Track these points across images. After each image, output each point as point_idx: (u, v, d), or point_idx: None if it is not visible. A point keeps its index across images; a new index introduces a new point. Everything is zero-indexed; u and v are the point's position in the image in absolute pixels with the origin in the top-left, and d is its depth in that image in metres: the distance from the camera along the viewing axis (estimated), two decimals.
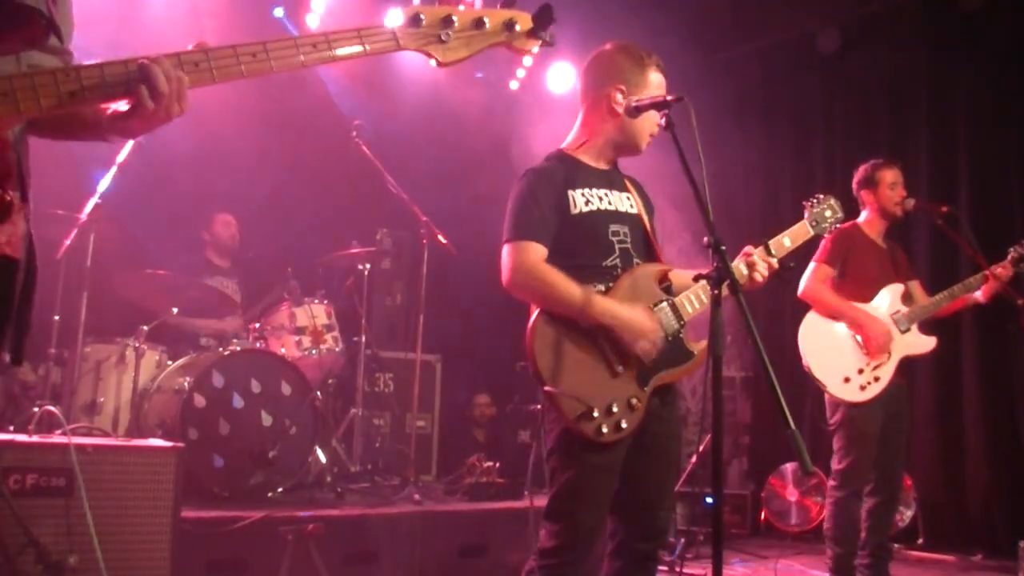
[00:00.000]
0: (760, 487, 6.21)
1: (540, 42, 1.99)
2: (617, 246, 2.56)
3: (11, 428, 3.73)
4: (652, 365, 2.46)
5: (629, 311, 2.44)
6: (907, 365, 4.18)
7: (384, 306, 6.56)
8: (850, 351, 4.06)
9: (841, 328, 4.12)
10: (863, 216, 4.41)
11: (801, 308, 4.46)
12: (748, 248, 2.72)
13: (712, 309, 2.29)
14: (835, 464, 4.09)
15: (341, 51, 1.73)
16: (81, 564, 2.74)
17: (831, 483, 4.12)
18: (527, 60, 7.22)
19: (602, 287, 2.48)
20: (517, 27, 1.93)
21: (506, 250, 2.48)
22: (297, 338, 4.96)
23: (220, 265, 5.48)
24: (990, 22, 5.85)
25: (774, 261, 2.71)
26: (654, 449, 2.51)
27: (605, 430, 2.37)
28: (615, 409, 2.39)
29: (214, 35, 5.49)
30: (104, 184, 4.15)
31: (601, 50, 2.70)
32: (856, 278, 4.20)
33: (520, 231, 2.46)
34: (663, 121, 2.48)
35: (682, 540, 4.73)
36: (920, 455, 5.97)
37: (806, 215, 3.03)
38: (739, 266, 2.63)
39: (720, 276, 2.29)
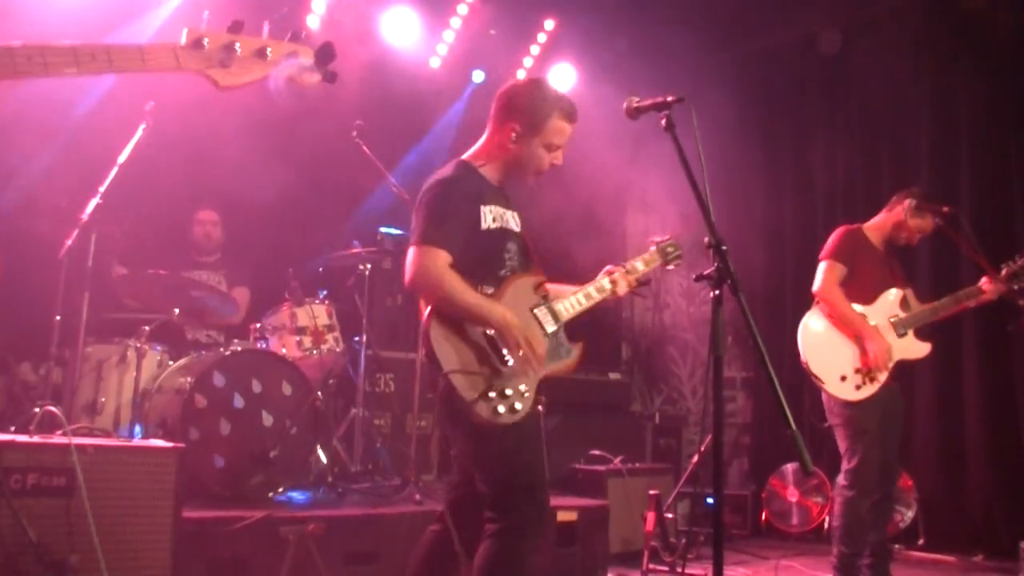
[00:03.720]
0: (761, 487, 6.21)
1: (320, 76, 2.04)
2: (507, 262, 2.77)
3: (12, 428, 3.72)
4: (538, 363, 2.62)
5: (493, 310, 2.59)
6: (903, 367, 4.22)
7: (385, 306, 6.55)
8: (848, 350, 4.13)
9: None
10: (875, 220, 4.46)
11: (801, 309, 4.48)
12: (610, 267, 3.06)
13: (713, 309, 2.30)
14: (845, 464, 4.13)
15: (119, 65, 1.81)
16: (82, 564, 2.75)
17: (842, 483, 4.13)
18: (527, 60, 7.24)
19: (490, 289, 2.68)
20: (301, 60, 2.01)
21: (414, 252, 2.61)
22: (298, 338, 4.96)
23: (204, 260, 5.46)
24: (991, 23, 5.85)
25: (632, 279, 3.08)
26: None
27: (502, 410, 2.54)
28: (508, 393, 2.58)
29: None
30: (105, 184, 4.15)
31: (515, 83, 2.88)
32: (861, 280, 4.25)
33: (431, 237, 2.60)
34: (664, 121, 2.50)
35: (683, 540, 4.73)
36: (920, 455, 5.97)
37: (653, 248, 3.28)
38: (602, 281, 2.98)
39: (720, 276, 2.30)
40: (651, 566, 4.44)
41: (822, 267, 4.27)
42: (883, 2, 6.49)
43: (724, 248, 2.32)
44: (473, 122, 6.47)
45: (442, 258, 2.59)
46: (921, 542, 5.61)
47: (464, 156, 2.86)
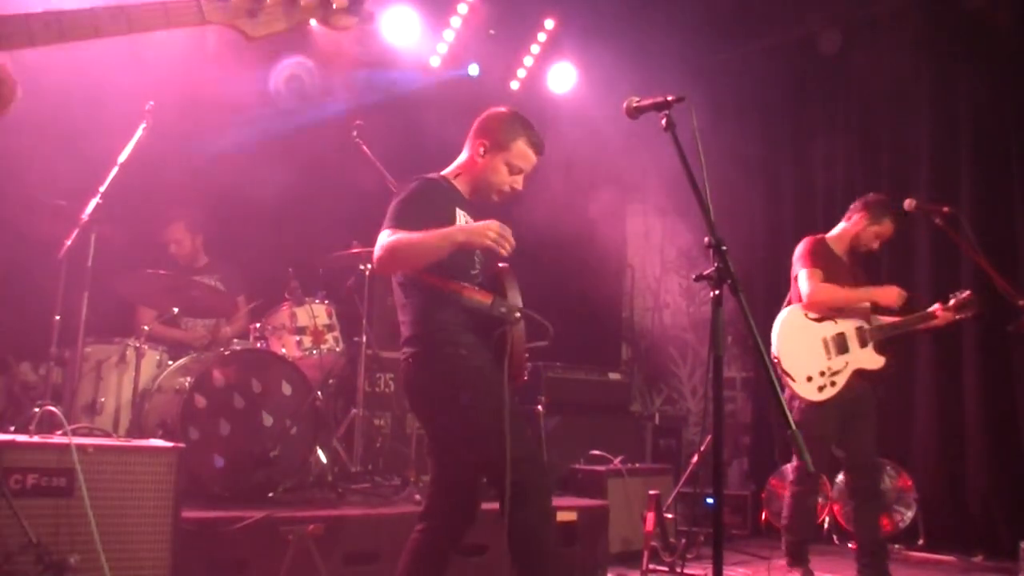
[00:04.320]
0: (760, 487, 6.20)
1: (356, 19, 1.95)
2: (476, 265, 2.89)
3: (12, 428, 3.72)
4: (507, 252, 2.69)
5: (461, 229, 2.72)
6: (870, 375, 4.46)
7: (385, 306, 6.54)
8: (817, 352, 4.39)
9: (814, 329, 4.43)
10: (835, 231, 4.66)
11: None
12: None
13: (713, 309, 2.30)
14: (794, 460, 4.50)
15: (140, 24, 1.69)
16: (82, 564, 2.74)
17: (790, 479, 4.53)
18: (528, 60, 7.24)
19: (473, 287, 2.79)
20: (333, 4, 1.88)
21: (383, 234, 2.73)
22: (298, 338, 4.95)
23: (193, 267, 5.38)
24: (992, 22, 5.85)
25: None
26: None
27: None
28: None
29: (216, 35, 5.50)
30: (105, 184, 4.14)
31: (495, 109, 3.07)
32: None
33: (400, 223, 2.73)
34: (664, 121, 2.50)
35: (683, 540, 4.73)
36: (920, 455, 5.97)
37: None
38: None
39: (720, 276, 2.30)
40: (651, 566, 4.43)
41: (804, 275, 4.46)
42: (883, 2, 6.49)
43: (724, 248, 2.33)
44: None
45: None
46: (921, 542, 5.61)
47: (445, 172, 3.03)
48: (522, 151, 2.97)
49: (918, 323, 4.53)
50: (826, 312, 4.43)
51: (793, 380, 4.35)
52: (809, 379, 4.35)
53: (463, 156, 3.05)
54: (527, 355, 2.79)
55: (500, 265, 2.87)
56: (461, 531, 2.89)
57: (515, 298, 2.77)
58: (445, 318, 2.76)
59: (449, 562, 2.87)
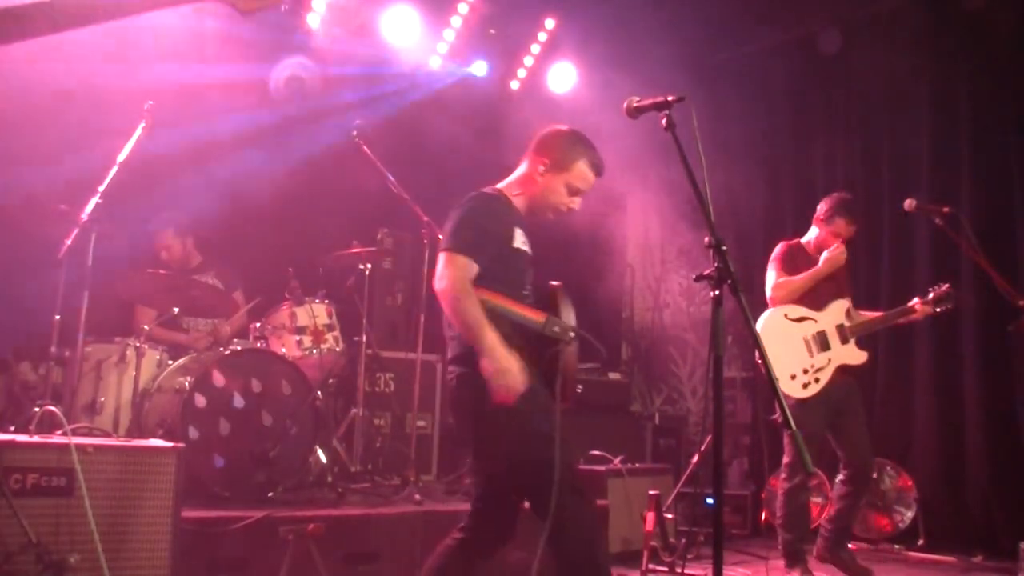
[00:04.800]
0: (760, 487, 6.20)
1: None
2: (527, 284, 2.87)
3: (12, 428, 3.72)
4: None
5: (507, 355, 2.58)
6: (854, 370, 4.58)
7: (385, 306, 6.56)
8: (799, 351, 4.49)
9: (794, 329, 4.53)
10: (808, 236, 4.79)
11: None
12: None
13: (713, 309, 2.30)
14: (785, 458, 4.53)
15: (135, 5, 1.72)
16: (82, 564, 2.74)
17: (782, 476, 4.56)
18: (528, 60, 7.24)
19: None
20: None
21: (444, 258, 2.71)
22: (298, 338, 4.95)
23: (188, 267, 5.36)
24: (992, 22, 5.85)
25: None
26: None
27: None
28: None
29: (215, 34, 5.50)
30: (105, 183, 4.14)
31: (556, 127, 3.04)
32: (809, 290, 4.57)
33: (461, 245, 2.70)
34: (664, 121, 2.50)
35: (683, 540, 4.73)
36: (920, 455, 5.97)
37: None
38: None
39: (720, 276, 2.30)
40: (651, 566, 4.43)
41: (769, 276, 4.64)
42: (883, 2, 6.49)
43: (724, 248, 2.33)
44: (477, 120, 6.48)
45: (469, 268, 2.67)
46: (921, 542, 5.60)
47: (500, 185, 2.98)
48: (583, 172, 2.93)
49: (898, 317, 4.65)
50: (788, 302, 4.56)
51: (777, 380, 4.37)
52: (793, 377, 4.44)
53: (521, 172, 3.00)
54: (579, 377, 2.75)
55: (552, 284, 2.83)
56: (495, 549, 2.85)
57: (569, 317, 2.71)
58: (498, 335, 2.67)
59: (477, 574, 2.84)
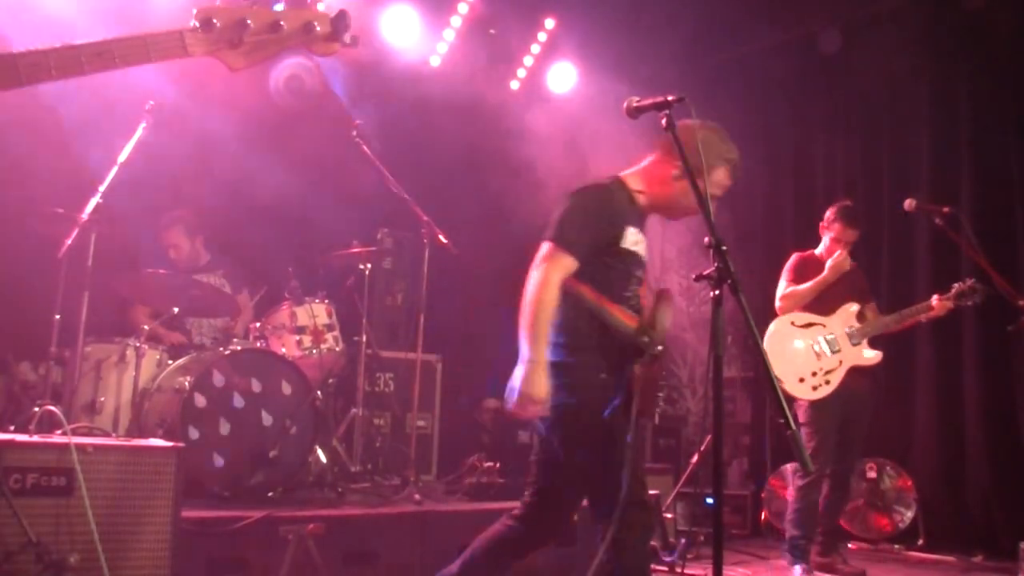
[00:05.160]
0: (760, 487, 6.20)
1: (339, 44, 1.92)
2: (632, 285, 2.78)
3: (11, 428, 3.72)
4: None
5: (542, 382, 2.54)
6: (871, 373, 4.70)
7: (385, 306, 6.56)
8: (806, 356, 4.60)
9: (802, 334, 4.66)
10: (820, 247, 4.87)
11: None
12: None
13: (713, 309, 2.30)
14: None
15: (124, 60, 1.76)
16: (82, 564, 2.74)
17: (797, 474, 4.72)
18: (528, 60, 7.23)
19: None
20: (317, 29, 1.86)
21: (545, 248, 2.65)
22: (298, 337, 4.95)
23: (196, 265, 5.34)
24: (992, 22, 5.85)
25: None
26: None
27: None
28: None
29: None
30: (105, 183, 4.14)
31: (693, 122, 2.72)
32: (820, 296, 4.68)
33: (565, 241, 2.64)
34: (664, 121, 2.50)
35: (683, 540, 4.73)
36: (920, 455, 5.97)
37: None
38: None
39: (721, 276, 2.30)
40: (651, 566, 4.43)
41: (779, 286, 4.80)
42: (883, 2, 6.48)
43: (724, 248, 2.32)
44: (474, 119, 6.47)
45: (566, 265, 2.62)
46: (921, 542, 5.60)
47: (623, 173, 2.88)
48: (721, 180, 2.84)
49: (915, 315, 4.66)
50: (795, 311, 4.70)
51: (784, 384, 4.54)
52: (801, 380, 4.55)
53: (651, 169, 2.88)
54: (661, 392, 2.71)
55: (661, 288, 2.79)
56: (544, 543, 2.88)
57: (663, 327, 2.66)
58: (588, 333, 2.67)
59: (522, 562, 2.85)
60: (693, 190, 2.43)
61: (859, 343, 4.62)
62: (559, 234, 2.65)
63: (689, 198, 2.68)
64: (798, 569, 4.48)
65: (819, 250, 4.87)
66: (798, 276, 4.76)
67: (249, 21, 1.79)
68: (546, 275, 2.61)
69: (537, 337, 2.57)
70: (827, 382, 4.54)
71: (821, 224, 4.85)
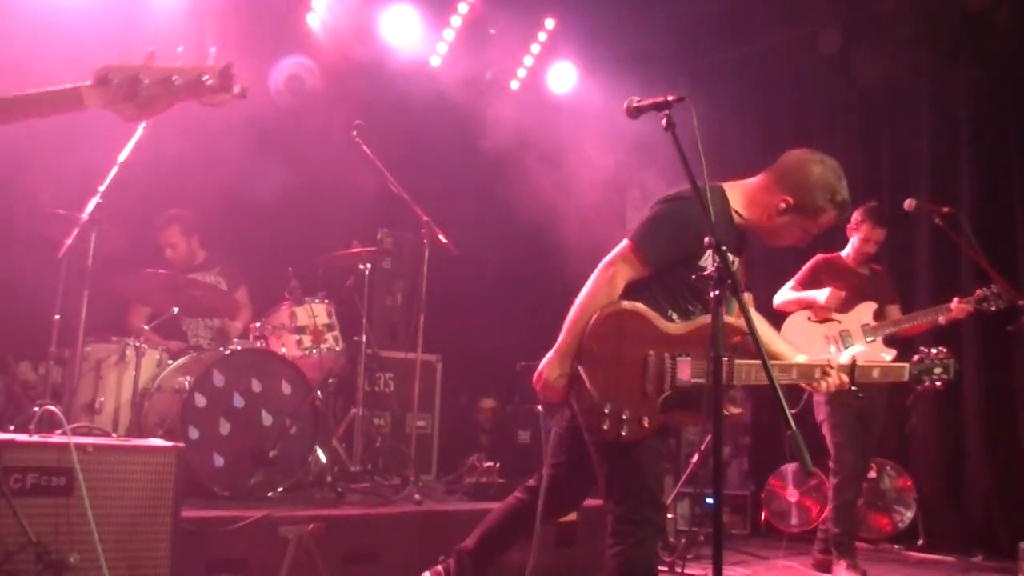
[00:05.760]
0: (760, 487, 6.20)
1: (230, 95, 2.02)
2: (698, 299, 2.71)
3: (11, 427, 3.72)
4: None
5: (564, 374, 2.65)
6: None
7: (385, 306, 6.56)
8: (821, 348, 4.59)
9: (816, 329, 4.70)
10: (847, 249, 4.92)
11: None
12: (829, 358, 2.83)
13: (713, 309, 2.30)
14: (832, 454, 4.70)
15: (34, 111, 1.96)
16: (82, 563, 2.74)
17: (832, 469, 4.71)
18: (528, 60, 7.24)
19: (675, 316, 2.69)
20: (208, 82, 1.97)
21: (624, 245, 2.67)
22: (297, 337, 4.95)
23: (192, 264, 5.34)
24: (991, 22, 5.85)
25: (846, 381, 2.83)
26: None
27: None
28: (624, 416, 2.59)
29: (215, 35, 5.49)
30: (105, 183, 4.14)
31: (811, 156, 2.78)
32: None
33: (644, 246, 2.65)
34: (664, 121, 2.50)
35: (683, 540, 4.73)
36: (920, 455, 5.97)
37: (913, 359, 3.20)
38: (815, 371, 2.78)
39: (720, 276, 2.30)
40: None
41: (783, 288, 4.87)
42: (883, 1, 6.48)
43: (724, 248, 2.32)
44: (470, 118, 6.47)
45: (634, 270, 2.64)
46: (920, 542, 5.61)
47: (728, 184, 2.85)
48: (826, 221, 2.77)
49: (932, 316, 4.63)
50: (788, 310, 4.82)
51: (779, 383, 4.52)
52: None
53: (759, 193, 2.81)
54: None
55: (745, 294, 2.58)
56: (560, 515, 2.99)
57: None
58: None
59: (530, 535, 2.88)
60: (696, 194, 2.42)
61: (873, 341, 4.64)
62: (641, 239, 2.66)
63: (792, 233, 2.73)
64: (842, 565, 4.53)
65: (845, 251, 4.89)
66: (808, 280, 4.83)
67: (143, 78, 1.93)
68: (613, 273, 2.63)
69: (574, 327, 2.61)
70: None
71: (848, 226, 4.85)
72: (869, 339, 4.64)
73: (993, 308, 4.60)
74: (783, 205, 2.73)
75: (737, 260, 2.82)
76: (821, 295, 4.67)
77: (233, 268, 5.46)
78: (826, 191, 2.73)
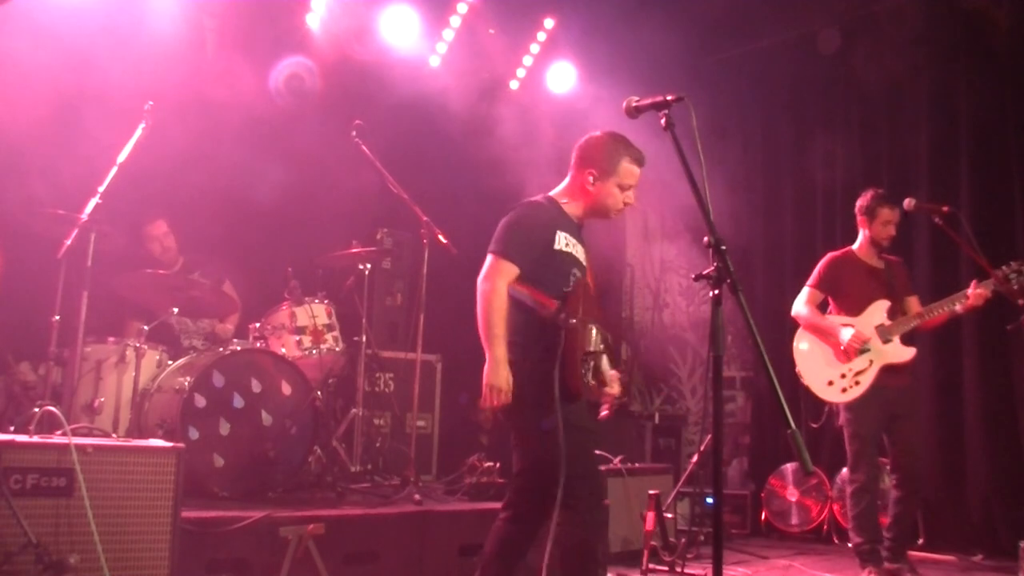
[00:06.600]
0: (760, 487, 6.20)
1: None
2: (570, 282, 3.07)
3: (11, 428, 3.73)
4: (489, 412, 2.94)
5: (505, 375, 2.92)
6: (910, 370, 4.60)
7: (384, 306, 6.56)
8: (833, 359, 4.59)
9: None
10: (858, 241, 4.78)
11: None
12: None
13: (712, 309, 2.30)
14: (847, 465, 4.65)
15: None
16: (82, 564, 2.75)
17: (847, 478, 4.66)
18: (528, 60, 7.24)
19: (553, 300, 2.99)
20: None
21: (489, 259, 3.02)
22: (297, 338, 4.95)
23: (174, 266, 5.30)
24: (991, 22, 5.84)
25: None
26: None
27: None
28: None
29: (215, 35, 5.50)
30: (105, 184, 4.14)
31: (592, 135, 3.20)
32: (848, 296, 4.67)
33: (505, 249, 3.01)
34: (663, 121, 2.50)
35: (683, 540, 4.73)
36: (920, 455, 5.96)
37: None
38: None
39: (720, 275, 2.30)
40: (651, 566, 4.44)
41: (802, 292, 4.78)
42: (883, 1, 6.48)
43: (723, 247, 2.33)
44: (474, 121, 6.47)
45: (509, 270, 2.98)
46: (921, 542, 5.60)
47: (551, 194, 3.22)
48: (628, 170, 3.13)
49: (948, 307, 4.44)
50: (805, 328, 4.73)
51: (814, 389, 4.61)
52: (830, 383, 4.55)
53: (569, 182, 3.20)
54: (586, 366, 2.94)
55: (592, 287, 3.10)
56: (542, 519, 3.00)
57: (578, 310, 2.94)
58: (520, 321, 2.98)
59: (530, 547, 3.07)
60: (695, 193, 2.42)
61: (890, 341, 4.52)
62: (498, 246, 3.02)
63: (612, 198, 3.12)
64: (869, 573, 4.43)
65: (856, 245, 4.75)
66: (824, 283, 4.71)
67: None
68: (492, 284, 2.96)
69: (493, 337, 2.91)
70: (857, 383, 4.48)
71: (860, 219, 4.72)
72: (885, 340, 4.51)
73: (1016, 287, 4.31)
74: (591, 178, 3.11)
75: (577, 242, 3.15)
76: (845, 336, 4.53)
77: (214, 267, 5.37)
78: (615, 146, 3.12)
